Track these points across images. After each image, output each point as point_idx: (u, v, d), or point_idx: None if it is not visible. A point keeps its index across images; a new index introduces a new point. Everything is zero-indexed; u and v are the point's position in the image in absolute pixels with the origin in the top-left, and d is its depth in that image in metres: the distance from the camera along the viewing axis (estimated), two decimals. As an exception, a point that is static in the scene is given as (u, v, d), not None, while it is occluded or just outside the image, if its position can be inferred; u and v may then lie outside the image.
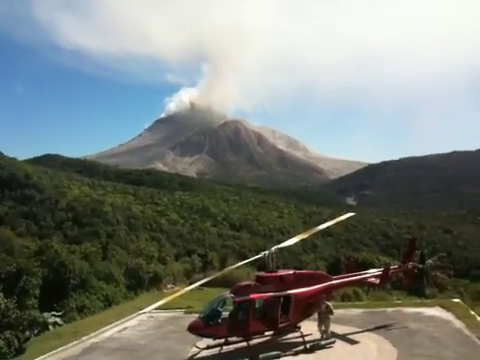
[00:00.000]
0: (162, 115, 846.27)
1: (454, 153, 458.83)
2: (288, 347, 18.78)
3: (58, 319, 29.66)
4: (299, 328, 19.05)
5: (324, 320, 19.15)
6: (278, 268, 20.08)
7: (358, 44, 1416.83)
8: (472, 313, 23.08)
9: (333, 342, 19.27)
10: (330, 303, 19.43)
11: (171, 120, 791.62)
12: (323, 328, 19.21)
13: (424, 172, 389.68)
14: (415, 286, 48.45)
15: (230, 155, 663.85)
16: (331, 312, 19.13)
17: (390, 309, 25.37)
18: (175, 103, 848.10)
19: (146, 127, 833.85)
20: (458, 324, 21.16)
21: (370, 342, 19.18)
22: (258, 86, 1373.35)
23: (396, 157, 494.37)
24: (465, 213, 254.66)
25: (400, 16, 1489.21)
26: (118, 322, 25.98)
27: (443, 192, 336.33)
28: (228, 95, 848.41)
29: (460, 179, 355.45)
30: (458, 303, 25.77)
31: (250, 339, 18.30)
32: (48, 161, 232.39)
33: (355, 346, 18.88)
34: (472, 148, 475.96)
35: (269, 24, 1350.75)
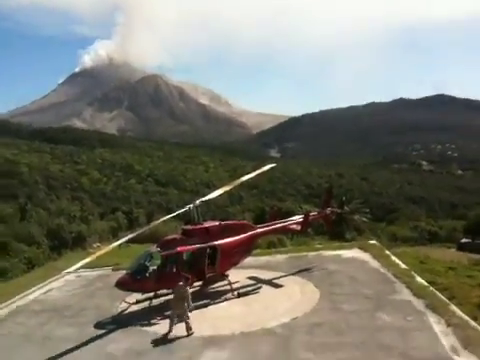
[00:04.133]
0: (76, 69, 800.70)
1: (370, 104, 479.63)
2: (217, 296, 19.31)
3: (-23, 285, 28.30)
4: (227, 276, 19.54)
5: (177, 307, 15.76)
6: (205, 220, 20.29)
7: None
8: (387, 253, 24.77)
9: (260, 287, 20.06)
10: (188, 289, 16.15)
11: (87, 74, 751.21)
12: (175, 319, 15.80)
13: (342, 123, 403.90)
14: (336, 230, 51.08)
15: (151, 110, 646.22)
16: (185, 298, 15.69)
17: (312, 253, 26.56)
18: (90, 56, 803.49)
19: (60, 82, 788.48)
20: (374, 263, 22.63)
21: (294, 285, 20.11)
22: (179, 40, 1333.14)
23: (316, 109, 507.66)
24: (380, 161, 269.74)
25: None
26: (43, 283, 25.15)
27: (360, 142, 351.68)
28: (147, 49, 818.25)
29: (375, 129, 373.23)
30: (374, 244, 27.49)
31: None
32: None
33: (280, 289, 19.72)
34: (386, 99, 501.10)
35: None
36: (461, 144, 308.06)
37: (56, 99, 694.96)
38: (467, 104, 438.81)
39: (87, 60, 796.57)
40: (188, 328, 15.40)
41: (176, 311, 15.78)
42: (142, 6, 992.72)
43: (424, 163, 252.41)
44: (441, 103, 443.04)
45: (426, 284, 18.79)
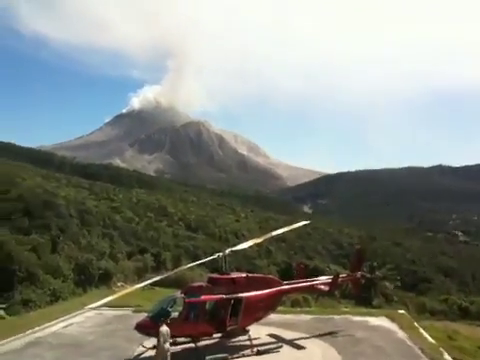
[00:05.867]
0: (124, 110, 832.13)
1: (407, 168, 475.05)
2: (236, 350, 18.87)
3: (2, 312, 28.60)
4: (247, 331, 19.12)
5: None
6: (232, 271, 20.14)
7: (317, 53, 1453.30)
8: (415, 325, 23.84)
9: (280, 346, 19.49)
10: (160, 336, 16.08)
11: (132, 116, 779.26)
12: None
13: (377, 184, 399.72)
14: (363, 295, 49.50)
15: (191, 156, 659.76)
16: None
17: (338, 317, 25.87)
18: (138, 99, 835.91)
19: (106, 121, 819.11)
20: (402, 335, 21.77)
21: (316, 348, 19.50)
22: (225, 89, 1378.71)
23: (352, 169, 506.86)
24: (415, 227, 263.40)
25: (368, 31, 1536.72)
26: (64, 317, 25.37)
27: (395, 205, 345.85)
28: (192, 94, 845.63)
29: (412, 194, 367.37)
30: (403, 314, 26.58)
31: (198, 340, 18.23)
32: None
33: (301, 351, 19.14)
34: (424, 165, 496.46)
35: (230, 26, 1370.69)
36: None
37: (100, 137, 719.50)
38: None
39: (135, 102, 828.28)
40: None
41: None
42: (193, 54, 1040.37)
43: (460, 234, 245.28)
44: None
45: (454, 363, 17.88)
